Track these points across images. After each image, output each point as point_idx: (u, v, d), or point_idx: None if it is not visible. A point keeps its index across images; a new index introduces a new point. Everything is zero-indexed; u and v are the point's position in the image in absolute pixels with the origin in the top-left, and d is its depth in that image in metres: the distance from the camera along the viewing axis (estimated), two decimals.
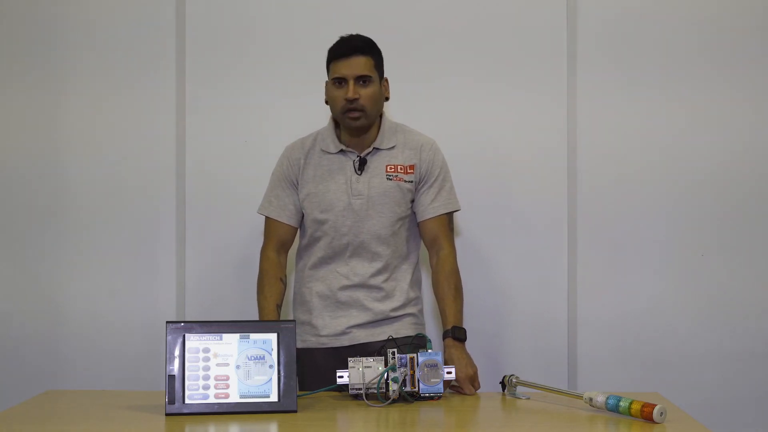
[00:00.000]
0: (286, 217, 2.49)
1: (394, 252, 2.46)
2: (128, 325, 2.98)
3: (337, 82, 2.39)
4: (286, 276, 2.50)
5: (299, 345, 2.49)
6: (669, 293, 2.95)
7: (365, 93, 2.38)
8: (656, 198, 2.95)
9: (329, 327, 2.45)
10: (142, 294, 2.99)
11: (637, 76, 2.95)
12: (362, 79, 2.37)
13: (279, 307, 2.43)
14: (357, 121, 2.39)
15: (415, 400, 2.08)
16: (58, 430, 1.88)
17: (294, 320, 2.07)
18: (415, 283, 2.53)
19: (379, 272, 2.44)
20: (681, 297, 2.95)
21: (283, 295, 2.48)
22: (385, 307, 2.44)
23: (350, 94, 2.36)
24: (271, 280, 2.45)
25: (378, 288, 2.44)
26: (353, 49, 2.38)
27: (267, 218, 2.52)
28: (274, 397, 1.98)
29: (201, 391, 1.97)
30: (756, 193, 2.95)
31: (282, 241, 2.51)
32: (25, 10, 3.01)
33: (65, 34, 3.00)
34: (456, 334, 2.34)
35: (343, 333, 2.44)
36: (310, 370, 2.41)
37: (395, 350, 2.08)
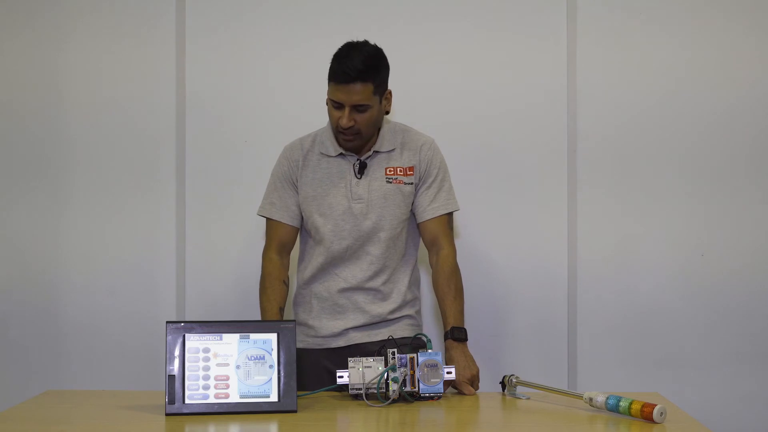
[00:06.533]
0: (288, 218, 2.47)
1: (393, 254, 2.45)
2: (128, 325, 2.98)
3: (333, 102, 2.32)
4: (288, 278, 2.49)
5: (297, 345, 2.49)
6: (669, 293, 2.95)
7: (361, 119, 2.31)
8: (656, 197, 2.95)
9: (327, 328, 2.44)
10: (142, 294, 2.99)
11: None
12: (358, 108, 2.30)
13: (282, 309, 2.42)
14: (350, 143, 2.36)
15: (415, 400, 2.08)
16: (58, 430, 1.88)
17: (294, 320, 2.07)
18: (413, 283, 2.52)
19: (377, 275, 2.43)
20: (681, 297, 2.95)
21: (286, 297, 2.46)
22: (382, 309, 2.43)
23: (344, 123, 2.29)
24: (274, 283, 2.44)
25: (376, 290, 2.43)
26: (351, 77, 2.25)
27: (268, 220, 2.50)
28: (274, 397, 1.98)
29: (201, 391, 1.97)
30: (756, 192, 2.95)
31: (284, 243, 2.49)
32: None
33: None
34: (455, 335, 2.33)
35: (340, 334, 2.44)
36: (307, 370, 2.40)
37: (395, 350, 2.08)
